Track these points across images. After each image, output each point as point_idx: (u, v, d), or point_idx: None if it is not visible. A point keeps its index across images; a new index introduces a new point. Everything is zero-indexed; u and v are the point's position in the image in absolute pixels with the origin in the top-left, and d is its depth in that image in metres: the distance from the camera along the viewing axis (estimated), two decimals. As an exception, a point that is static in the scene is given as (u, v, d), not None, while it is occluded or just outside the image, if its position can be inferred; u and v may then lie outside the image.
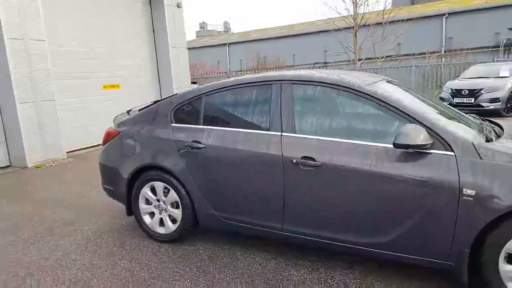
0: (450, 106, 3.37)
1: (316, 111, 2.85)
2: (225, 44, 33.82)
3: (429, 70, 16.17)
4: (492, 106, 10.60)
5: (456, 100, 11.24)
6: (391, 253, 2.53)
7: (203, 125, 3.19)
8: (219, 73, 25.01)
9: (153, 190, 3.39)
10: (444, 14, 24.38)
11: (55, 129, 7.11)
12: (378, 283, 2.66)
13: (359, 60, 19.17)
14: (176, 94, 3.53)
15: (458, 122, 2.77)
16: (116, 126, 3.71)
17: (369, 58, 19.63)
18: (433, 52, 18.73)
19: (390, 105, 2.54)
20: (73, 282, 2.82)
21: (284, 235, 2.89)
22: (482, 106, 10.74)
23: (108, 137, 3.69)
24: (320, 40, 24.43)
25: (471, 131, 2.55)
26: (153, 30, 10.31)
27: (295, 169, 2.72)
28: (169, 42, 10.23)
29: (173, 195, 3.28)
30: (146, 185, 3.40)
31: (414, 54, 20.63)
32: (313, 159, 2.65)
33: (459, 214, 2.26)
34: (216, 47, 34.20)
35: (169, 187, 3.28)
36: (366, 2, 17.89)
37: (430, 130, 2.39)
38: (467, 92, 11.02)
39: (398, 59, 18.93)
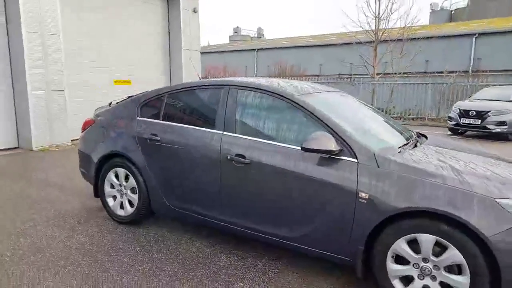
0: (391, 119, 3.61)
1: (254, 114, 3.16)
2: (254, 50, 34.34)
3: (445, 89, 16.03)
4: (498, 129, 10.49)
5: (463, 120, 11.19)
6: (303, 246, 2.79)
7: (162, 120, 3.55)
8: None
9: (116, 176, 3.78)
10: (474, 34, 23.95)
11: (63, 118, 7.70)
12: (295, 274, 2.92)
13: (377, 74, 19.22)
14: (147, 91, 3.91)
15: (380, 133, 3.03)
16: (94, 116, 4.14)
17: (389, 73, 19.60)
18: (452, 72, 18.45)
19: (313, 114, 2.81)
20: (29, 246, 3.23)
21: (221, 224, 3.20)
22: (488, 129, 10.66)
23: (86, 125, 4.12)
24: (347, 52, 24.42)
25: (380, 142, 2.79)
26: (169, 32, 10.86)
27: (229, 165, 3.03)
28: (183, 45, 10.74)
29: (132, 181, 3.65)
30: (111, 171, 3.78)
31: (433, 72, 20.39)
32: (244, 157, 2.96)
33: (356, 215, 2.51)
34: (246, 52, 34.79)
35: (129, 174, 3.66)
36: (388, 18, 17.96)
37: (340, 138, 2.64)
38: (474, 113, 10.95)
39: (417, 76, 18.79)
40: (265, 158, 2.88)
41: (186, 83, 3.60)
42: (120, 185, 3.76)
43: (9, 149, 7.29)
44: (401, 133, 3.30)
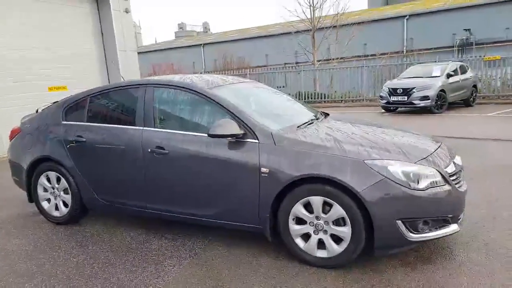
0: (300, 103, 4.05)
1: (169, 109, 3.47)
2: (200, 45, 34.22)
3: (379, 70, 17.04)
4: (422, 103, 11.45)
5: (393, 98, 12.08)
6: (221, 221, 3.15)
7: (86, 122, 3.75)
8: (193, 73, 25.38)
9: (48, 179, 3.92)
10: (405, 16, 25.42)
11: (-5, 130, 7.53)
12: (219, 247, 3.27)
13: (318, 61, 20.05)
14: (70, 96, 4.07)
15: (282, 116, 3.47)
16: (21, 124, 4.23)
17: (328, 59, 20.47)
18: (384, 54, 19.66)
19: (219, 104, 3.16)
20: (-35, 255, 3.36)
21: (149, 212, 3.48)
22: (414, 104, 11.61)
23: (13, 134, 4.21)
24: (290, 41, 25.06)
25: (279, 123, 3.19)
26: (102, 35, 10.76)
27: (151, 157, 3.31)
28: (117, 46, 10.68)
29: (64, 183, 3.82)
30: (42, 175, 3.93)
31: (367, 56, 21.52)
32: (162, 148, 3.25)
33: (260, 188, 2.89)
34: (192, 48, 34.56)
35: (60, 175, 3.83)
36: (321, 6, 18.77)
37: (243, 123, 3.00)
38: (401, 90, 11.85)
39: (352, 60, 19.78)
40: (181, 147, 3.19)
41: (106, 85, 3.82)
42: (53, 188, 3.91)
43: None
44: (306, 114, 3.73)
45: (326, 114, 3.96)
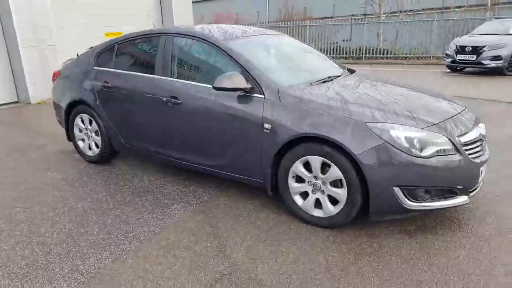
0: (325, 57, 3.87)
1: (186, 59, 3.49)
2: (265, -7, 33.24)
3: (451, 25, 15.43)
4: (493, 64, 10.34)
5: (460, 57, 11.00)
6: (227, 173, 3.23)
7: (113, 68, 3.91)
8: (249, 24, 25.02)
9: (82, 121, 4.23)
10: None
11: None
12: (225, 197, 3.39)
13: (385, 13, 18.62)
14: (103, 42, 4.24)
15: (297, 71, 3.34)
16: (61, 68, 4.54)
17: (396, 12, 18.87)
18: (459, 7, 17.62)
19: (230, 56, 3.12)
20: (11, 180, 3.84)
21: (164, 158, 3.65)
22: (483, 64, 10.51)
23: (54, 77, 4.54)
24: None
25: (290, 79, 3.08)
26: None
27: (166, 106, 3.41)
28: (172, -6, 10.77)
29: (95, 125, 4.10)
30: (77, 117, 4.24)
31: (440, 8, 19.42)
32: (176, 98, 3.33)
33: (262, 143, 2.89)
34: (257, -4, 33.73)
35: (92, 118, 4.11)
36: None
37: (251, 77, 2.95)
38: (470, 49, 10.73)
39: (423, 13, 17.99)
40: (192, 98, 3.24)
41: (132, 33, 3.90)
42: (86, 129, 4.23)
43: (9, 103, 7.90)
44: (327, 71, 3.56)
45: (352, 71, 3.75)
